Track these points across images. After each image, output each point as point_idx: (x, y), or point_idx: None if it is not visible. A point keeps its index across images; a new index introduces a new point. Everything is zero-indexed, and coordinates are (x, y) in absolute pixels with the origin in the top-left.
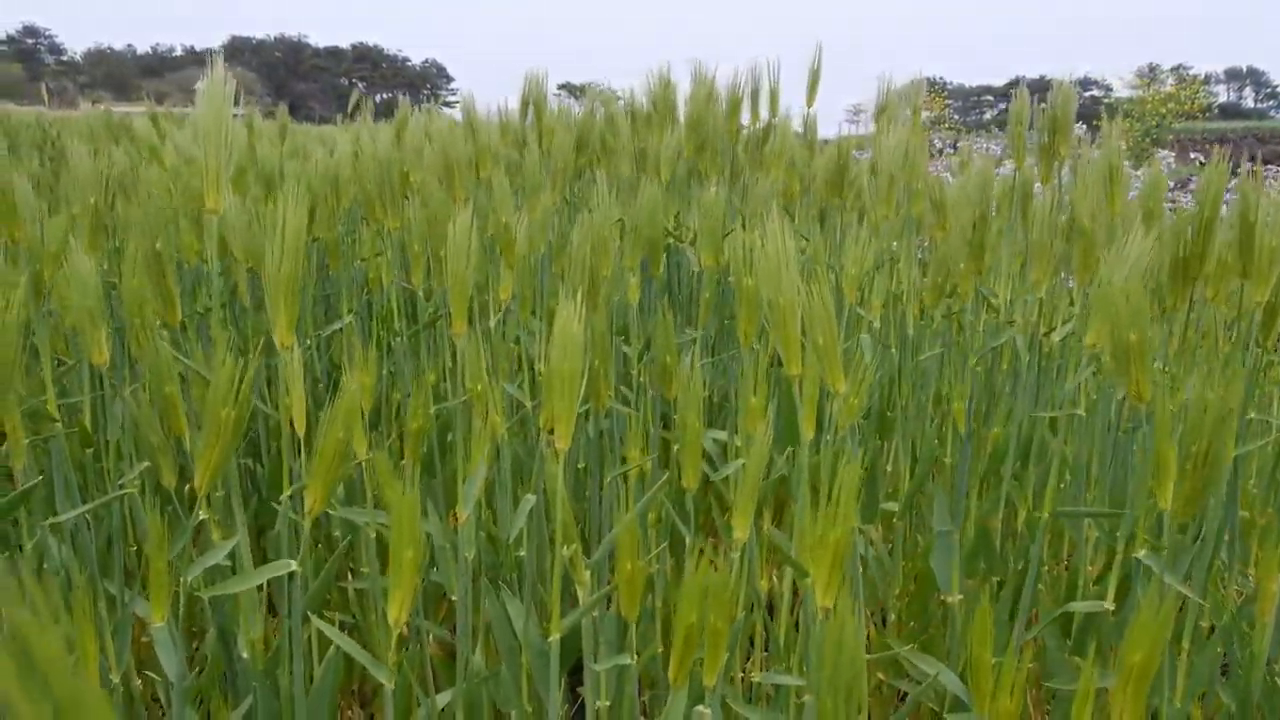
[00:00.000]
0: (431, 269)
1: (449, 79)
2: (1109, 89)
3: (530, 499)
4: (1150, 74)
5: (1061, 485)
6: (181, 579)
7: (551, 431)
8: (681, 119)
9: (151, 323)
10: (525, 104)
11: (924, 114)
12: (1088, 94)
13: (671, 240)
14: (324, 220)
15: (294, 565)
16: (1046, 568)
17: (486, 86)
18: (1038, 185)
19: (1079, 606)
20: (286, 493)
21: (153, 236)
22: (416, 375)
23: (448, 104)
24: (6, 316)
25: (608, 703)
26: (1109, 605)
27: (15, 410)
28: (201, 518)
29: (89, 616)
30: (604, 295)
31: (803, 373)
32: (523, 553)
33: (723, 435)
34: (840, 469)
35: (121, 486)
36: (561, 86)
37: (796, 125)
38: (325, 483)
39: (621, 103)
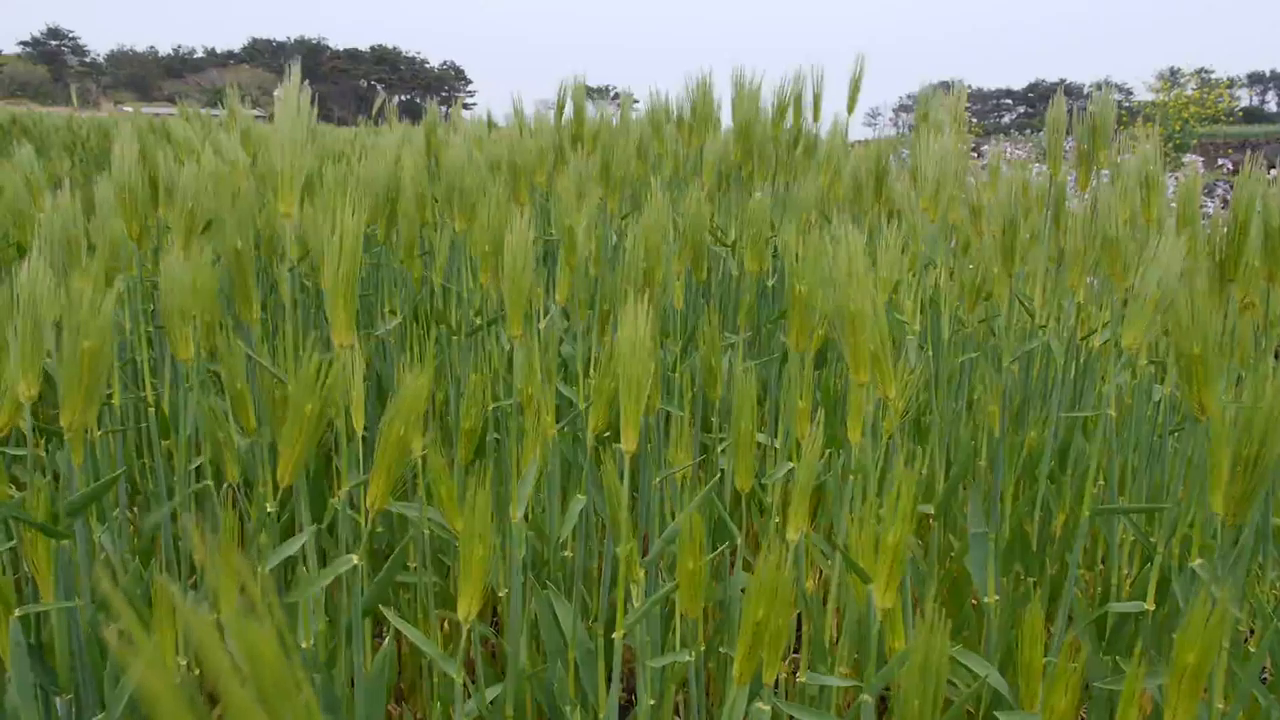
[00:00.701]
0: (490, 271)
1: (467, 81)
2: (1129, 93)
3: (581, 500)
4: (1172, 77)
5: (1095, 489)
6: (259, 571)
7: (604, 433)
8: (721, 126)
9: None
10: (561, 108)
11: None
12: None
13: (712, 244)
14: (382, 224)
15: (355, 560)
16: (1080, 571)
17: (503, 88)
18: (1070, 191)
19: (1119, 607)
20: (345, 488)
21: (237, 236)
22: (471, 375)
23: (466, 105)
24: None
25: (653, 700)
26: (1149, 606)
27: (96, 406)
28: (270, 510)
29: (168, 608)
30: (657, 299)
31: (869, 380)
32: (567, 553)
33: (760, 438)
34: (899, 473)
35: (196, 478)
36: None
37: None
38: (387, 479)
39: (675, 110)
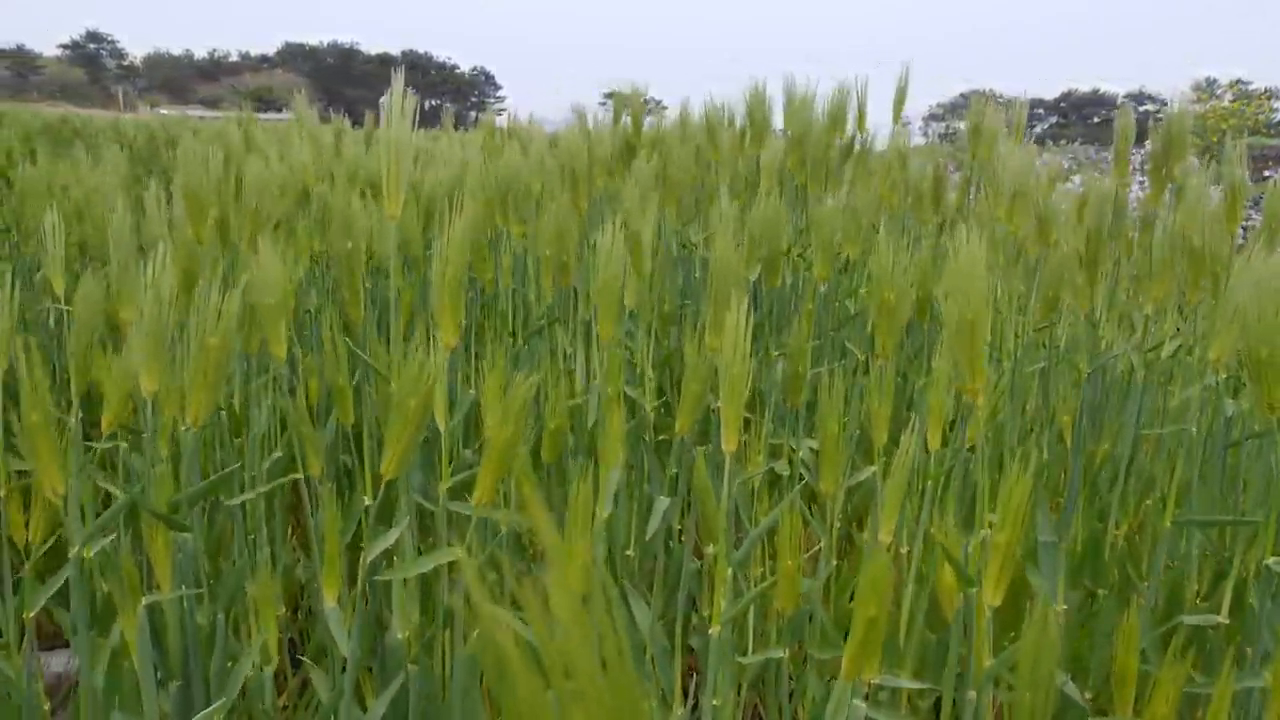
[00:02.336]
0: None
1: (497, 86)
2: (1164, 103)
3: (665, 501)
4: (1208, 88)
5: (1154, 500)
6: (363, 560)
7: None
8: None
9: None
10: (618, 115)
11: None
12: (1143, 108)
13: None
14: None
15: (460, 552)
16: (1146, 582)
17: (531, 92)
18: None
19: (1192, 619)
20: (446, 483)
21: (344, 238)
22: (556, 376)
23: (497, 110)
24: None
25: (717, 702)
26: (1223, 619)
27: (216, 401)
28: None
29: (271, 598)
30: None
31: (976, 387)
32: (630, 552)
33: (812, 443)
34: (1012, 477)
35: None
36: (608, 95)
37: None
38: (495, 475)
39: (727, 118)
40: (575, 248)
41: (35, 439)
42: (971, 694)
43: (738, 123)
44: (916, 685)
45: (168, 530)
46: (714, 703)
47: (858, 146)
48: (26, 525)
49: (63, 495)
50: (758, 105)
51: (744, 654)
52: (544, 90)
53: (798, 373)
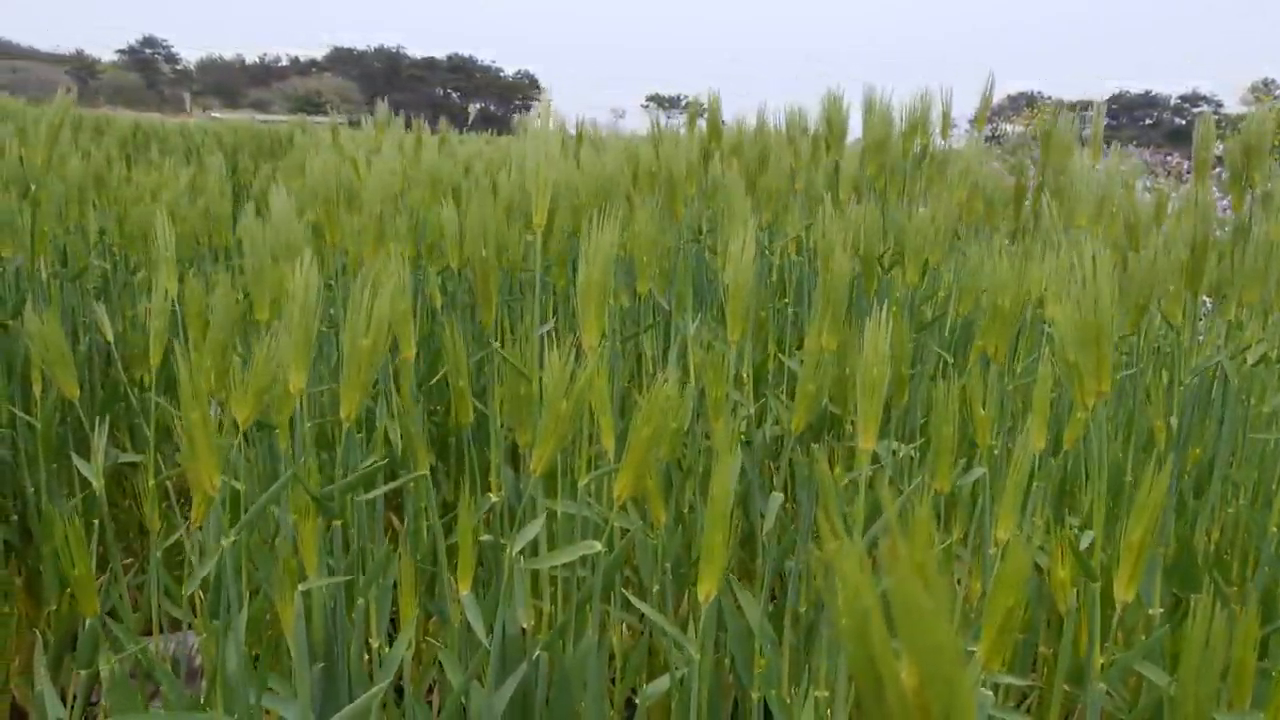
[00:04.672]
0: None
1: (539, 89)
2: (1220, 105)
3: (778, 496)
4: (1265, 89)
5: (1239, 507)
6: (507, 553)
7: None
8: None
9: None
10: (693, 121)
11: (1020, 129)
12: (1197, 110)
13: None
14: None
15: (598, 546)
16: (1234, 587)
17: (572, 95)
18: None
19: None
20: (584, 480)
21: (481, 244)
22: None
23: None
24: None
25: (826, 693)
26: None
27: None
28: (493, 500)
29: (413, 587)
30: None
31: (1100, 391)
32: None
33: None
34: (1149, 478)
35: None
36: (650, 98)
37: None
38: (636, 473)
39: (812, 125)
40: (669, 253)
41: (194, 436)
42: (1100, 686)
43: (810, 129)
44: (1026, 683)
45: (315, 519)
46: (823, 694)
47: (931, 151)
48: (165, 517)
49: (217, 490)
50: (835, 112)
51: None
52: (554, 86)
53: (901, 375)
